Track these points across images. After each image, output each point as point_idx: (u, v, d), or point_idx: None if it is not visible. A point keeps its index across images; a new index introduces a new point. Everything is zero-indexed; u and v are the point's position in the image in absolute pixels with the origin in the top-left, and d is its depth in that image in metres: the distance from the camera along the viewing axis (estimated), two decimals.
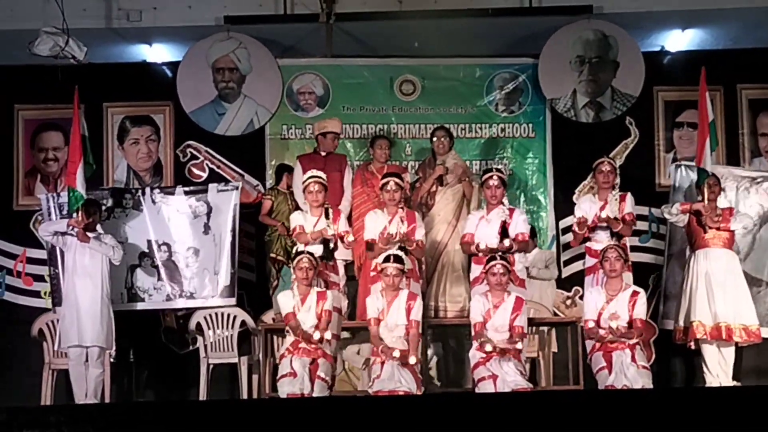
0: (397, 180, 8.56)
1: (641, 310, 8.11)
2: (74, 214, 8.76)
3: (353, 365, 9.30)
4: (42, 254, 9.71)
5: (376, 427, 5.65)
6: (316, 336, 7.80)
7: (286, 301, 8.05)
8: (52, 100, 10.17)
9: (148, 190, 9.65)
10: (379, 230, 8.45)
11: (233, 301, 9.32)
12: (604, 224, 8.68)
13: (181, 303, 9.50)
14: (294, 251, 8.51)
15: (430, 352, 9.11)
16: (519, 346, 7.82)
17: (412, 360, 7.72)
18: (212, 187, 9.58)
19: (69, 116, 9.61)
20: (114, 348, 8.89)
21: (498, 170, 8.81)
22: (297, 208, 9.15)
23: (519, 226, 8.57)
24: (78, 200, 8.73)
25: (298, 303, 7.97)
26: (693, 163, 9.46)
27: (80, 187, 8.80)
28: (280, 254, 9.44)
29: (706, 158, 8.78)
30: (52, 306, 9.42)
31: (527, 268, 9.05)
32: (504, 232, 8.48)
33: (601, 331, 8.03)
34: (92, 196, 9.08)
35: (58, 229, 8.84)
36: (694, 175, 9.30)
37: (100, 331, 8.68)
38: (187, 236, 9.48)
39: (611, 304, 8.11)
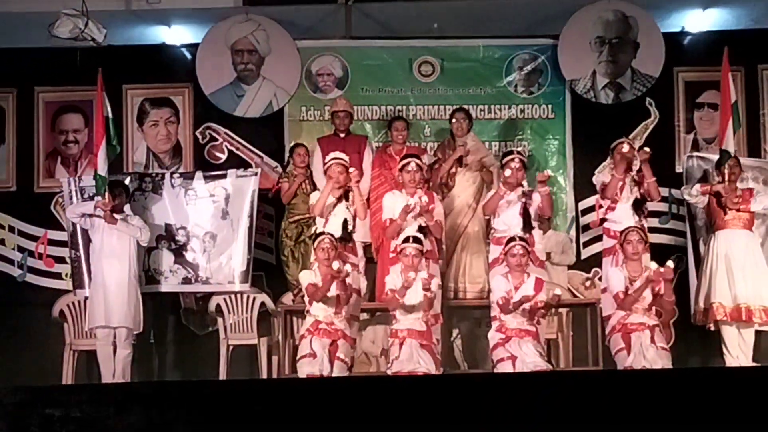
0: (417, 161, 8.55)
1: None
2: (100, 197, 8.78)
3: (369, 353, 9.27)
4: (63, 236, 9.74)
5: (395, 407, 5.66)
6: (335, 266, 7.69)
7: (306, 279, 8.07)
8: (72, 83, 10.19)
9: (167, 174, 9.67)
10: (398, 210, 8.40)
11: (247, 286, 9.32)
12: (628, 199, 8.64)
13: (197, 287, 9.53)
14: (313, 233, 8.53)
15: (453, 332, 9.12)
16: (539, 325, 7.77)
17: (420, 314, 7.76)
18: (231, 172, 9.58)
19: (89, 98, 9.65)
20: (141, 329, 8.96)
21: (519, 153, 8.81)
22: (314, 189, 9.15)
23: (537, 201, 8.56)
24: (103, 183, 8.76)
25: (318, 283, 7.98)
26: (705, 155, 9.46)
27: (101, 169, 8.81)
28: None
29: (728, 139, 8.73)
30: (73, 288, 9.46)
31: (548, 254, 9.02)
32: (525, 215, 8.46)
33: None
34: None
35: (85, 211, 8.92)
36: (705, 166, 9.29)
37: (127, 312, 8.76)
38: (205, 221, 9.49)
39: (634, 284, 8.06)
